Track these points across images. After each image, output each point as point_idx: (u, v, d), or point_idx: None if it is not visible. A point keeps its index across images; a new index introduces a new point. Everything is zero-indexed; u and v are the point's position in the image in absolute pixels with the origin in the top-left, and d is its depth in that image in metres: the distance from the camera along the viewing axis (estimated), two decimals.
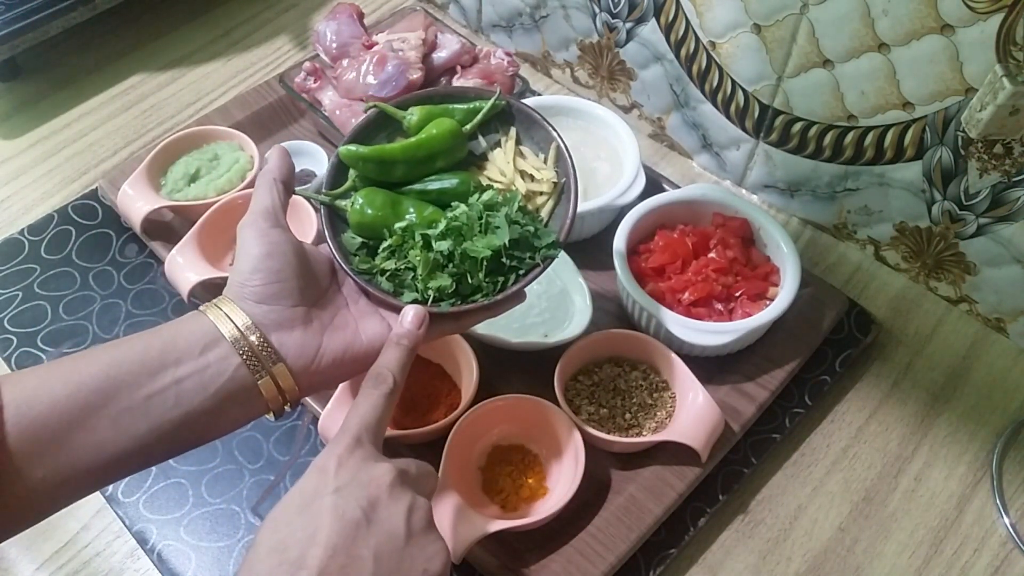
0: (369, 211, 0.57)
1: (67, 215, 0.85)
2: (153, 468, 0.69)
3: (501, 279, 0.56)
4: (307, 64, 0.89)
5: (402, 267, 0.56)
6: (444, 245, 0.55)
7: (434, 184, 0.59)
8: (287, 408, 0.53)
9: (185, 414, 0.49)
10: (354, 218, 0.57)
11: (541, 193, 0.59)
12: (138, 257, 0.83)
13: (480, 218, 0.56)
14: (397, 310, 0.55)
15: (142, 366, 0.48)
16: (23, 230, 0.84)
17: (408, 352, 0.53)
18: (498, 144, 0.61)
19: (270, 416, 0.53)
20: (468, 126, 0.60)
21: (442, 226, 0.55)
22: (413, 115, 0.60)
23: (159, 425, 0.48)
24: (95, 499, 0.68)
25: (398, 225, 0.56)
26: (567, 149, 0.59)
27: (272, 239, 0.53)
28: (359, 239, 0.58)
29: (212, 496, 0.68)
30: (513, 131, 0.61)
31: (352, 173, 0.59)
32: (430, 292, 0.55)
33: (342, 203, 0.58)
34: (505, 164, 0.60)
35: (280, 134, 0.91)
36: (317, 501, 0.45)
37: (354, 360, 0.54)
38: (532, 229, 0.56)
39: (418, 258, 0.55)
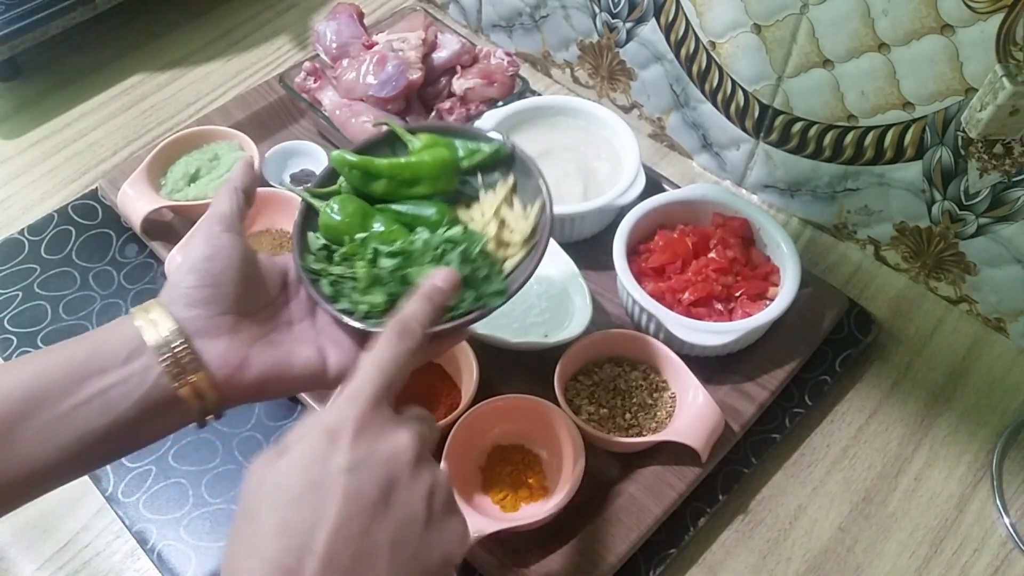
0: (337, 216, 0.57)
1: (67, 215, 0.85)
2: (153, 468, 0.69)
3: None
4: (307, 64, 0.89)
5: (347, 275, 0.56)
6: (388, 263, 0.54)
7: (410, 208, 0.59)
8: (210, 418, 0.51)
9: (111, 423, 0.48)
10: (323, 219, 0.57)
11: (511, 244, 0.58)
12: (138, 257, 0.83)
13: (437, 248, 0.55)
14: (333, 318, 0.54)
15: (67, 375, 0.47)
16: (23, 230, 0.84)
17: (437, 310, 0.50)
18: (492, 187, 0.60)
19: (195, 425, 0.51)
20: (465, 163, 0.60)
21: (396, 246, 0.55)
22: (419, 140, 0.60)
23: (85, 434, 0.47)
24: (95, 499, 0.68)
25: (358, 236, 0.56)
26: (550, 209, 0.58)
27: (220, 242, 0.52)
28: (322, 240, 0.58)
29: (212, 496, 0.68)
30: (512, 179, 0.60)
31: (341, 180, 0.60)
32: (363, 306, 0.54)
33: (319, 204, 0.58)
34: (488, 207, 0.59)
35: (280, 134, 0.91)
36: (328, 478, 0.41)
37: (280, 380, 0.52)
38: (485, 273, 0.55)
39: (362, 269, 0.55)
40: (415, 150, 0.60)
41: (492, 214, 0.58)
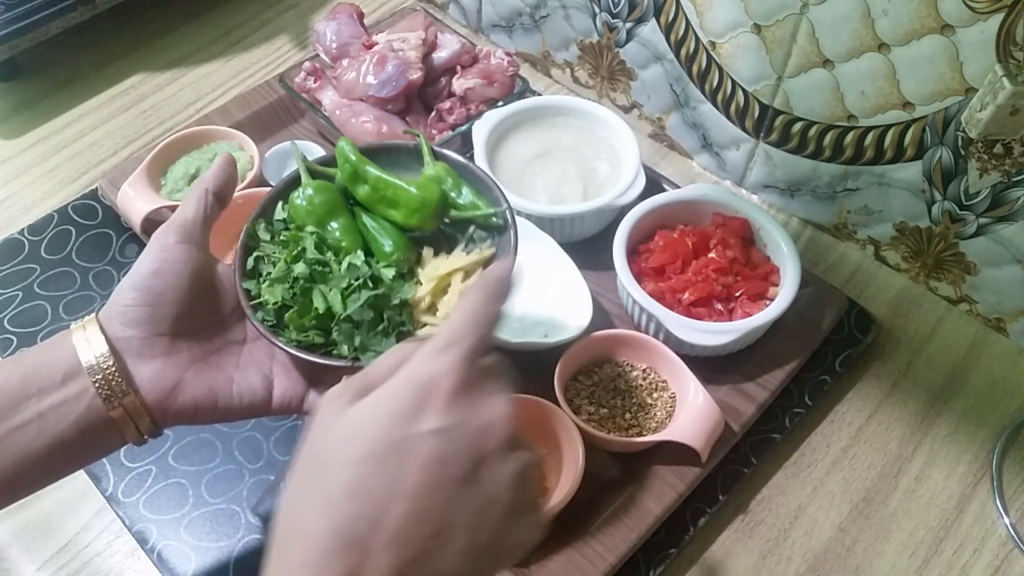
0: (302, 201, 0.56)
1: (67, 215, 0.85)
2: (153, 468, 0.69)
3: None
4: (307, 64, 0.89)
5: (273, 257, 0.55)
6: (301, 269, 0.53)
7: (378, 227, 0.57)
8: (147, 439, 0.51)
9: (49, 445, 0.47)
10: (291, 199, 0.57)
11: (442, 315, 0.55)
12: (138, 257, 0.83)
13: (357, 279, 0.53)
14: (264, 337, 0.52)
15: (3, 398, 0.47)
16: (23, 230, 0.84)
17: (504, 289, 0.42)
18: (464, 249, 0.58)
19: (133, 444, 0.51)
20: (453, 213, 0.58)
21: (325, 256, 0.54)
22: (432, 169, 0.59)
23: (23, 458, 0.47)
24: (95, 499, 0.68)
25: (308, 228, 0.55)
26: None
27: (170, 256, 0.51)
28: (282, 216, 0.57)
29: (212, 496, 0.68)
30: (492, 252, 0.57)
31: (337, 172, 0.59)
32: (267, 297, 0.53)
33: (305, 178, 0.58)
34: (443, 268, 0.56)
35: (280, 134, 0.91)
36: (414, 441, 0.36)
37: (215, 407, 0.51)
38: (381, 328, 0.52)
39: (280, 260, 0.54)
40: (425, 176, 0.59)
41: (438, 275, 0.55)
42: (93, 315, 0.51)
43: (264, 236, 0.57)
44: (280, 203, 0.58)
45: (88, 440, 0.49)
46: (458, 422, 0.36)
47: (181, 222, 0.52)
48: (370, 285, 0.54)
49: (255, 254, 0.56)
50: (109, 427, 0.49)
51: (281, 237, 0.56)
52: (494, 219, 0.58)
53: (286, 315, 0.53)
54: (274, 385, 0.53)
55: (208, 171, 0.55)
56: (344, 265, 0.54)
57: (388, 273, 0.55)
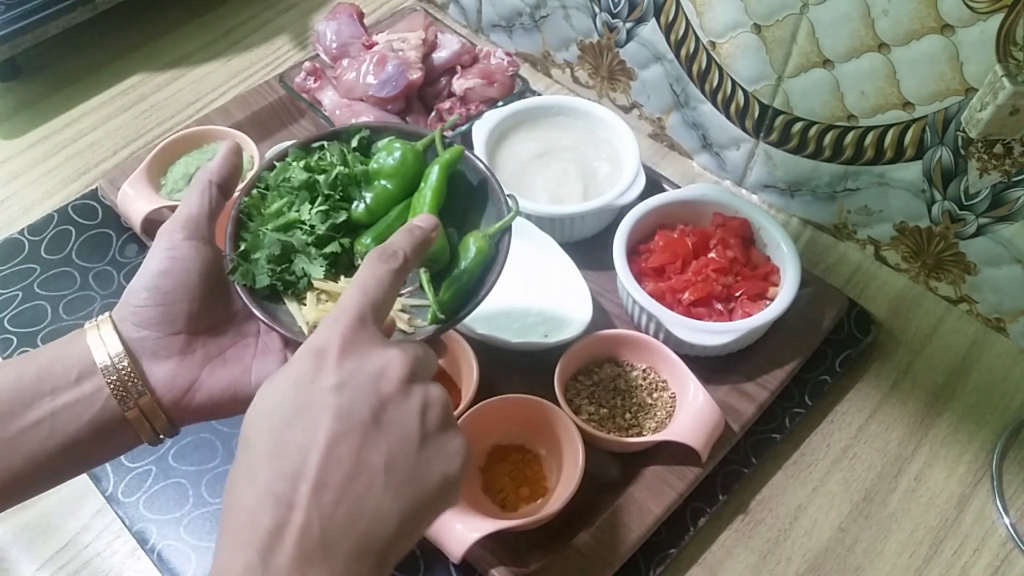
0: (394, 160, 0.55)
1: (67, 215, 0.85)
2: (153, 468, 0.69)
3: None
4: (307, 64, 0.89)
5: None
6: (274, 229, 0.53)
7: (360, 209, 0.56)
8: (163, 438, 0.50)
9: (62, 444, 0.47)
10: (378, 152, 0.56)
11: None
12: (138, 257, 0.83)
13: (321, 246, 0.54)
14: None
15: (16, 395, 0.46)
16: (23, 230, 0.84)
17: (422, 241, 0.48)
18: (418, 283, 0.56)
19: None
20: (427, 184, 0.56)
21: (303, 216, 0.54)
22: (435, 172, 0.56)
23: (35, 456, 0.47)
24: (95, 499, 0.68)
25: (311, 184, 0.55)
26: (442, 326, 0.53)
27: (179, 254, 0.50)
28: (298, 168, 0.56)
29: (212, 496, 0.68)
30: (432, 304, 0.52)
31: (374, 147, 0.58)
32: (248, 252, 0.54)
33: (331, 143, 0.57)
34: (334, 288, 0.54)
35: (280, 134, 0.91)
36: (317, 397, 0.40)
37: (234, 401, 0.50)
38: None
39: (270, 212, 0.54)
40: (434, 182, 0.56)
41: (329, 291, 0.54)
42: (107, 315, 0.50)
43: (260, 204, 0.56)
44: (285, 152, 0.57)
45: (101, 440, 0.48)
46: (352, 373, 0.40)
47: (187, 217, 0.51)
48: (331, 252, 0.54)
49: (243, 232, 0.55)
50: (123, 427, 0.48)
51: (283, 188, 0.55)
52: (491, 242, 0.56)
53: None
54: None
55: (212, 161, 0.54)
56: (313, 234, 0.54)
57: (336, 246, 0.54)
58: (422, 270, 0.53)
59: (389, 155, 0.56)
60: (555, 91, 1.00)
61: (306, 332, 0.52)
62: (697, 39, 0.81)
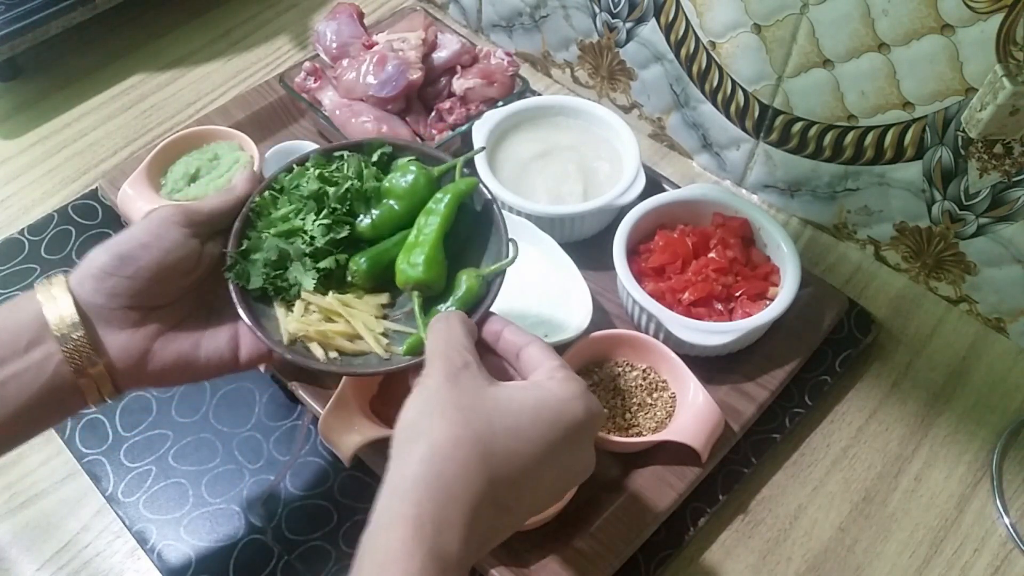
0: (407, 184, 0.56)
1: (67, 215, 0.85)
2: (153, 468, 0.69)
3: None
4: (307, 64, 0.89)
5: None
6: (272, 236, 0.55)
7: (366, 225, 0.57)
8: (107, 401, 0.51)
9: (12, 413, 0.47)
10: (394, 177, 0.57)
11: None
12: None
13: (316, 258, 0.55)
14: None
15: None
16: (23, 230, 0.84)
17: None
18: (408, 309, 0.56)
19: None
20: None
21: (303, 225, 0.55)
22: (444, 199, 0.56)
23: None
24: (95, 499, 0.68)
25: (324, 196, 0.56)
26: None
27: (168, 235, 0.51)
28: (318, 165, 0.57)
29: (212, 496, 0.68)
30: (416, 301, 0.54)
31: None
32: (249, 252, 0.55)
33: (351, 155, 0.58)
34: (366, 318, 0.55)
35: (280, 134, 0.91)
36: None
37: (184, 371, 0.52)
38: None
39: (272, 220, 0.56)
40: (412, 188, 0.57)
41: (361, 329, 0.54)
42: (61, 276, 0.50)
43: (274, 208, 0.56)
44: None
45: (49, 405, 0.49)
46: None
47: (195, 210, 0.53)
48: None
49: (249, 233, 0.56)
50: (72, 393, 0.49)
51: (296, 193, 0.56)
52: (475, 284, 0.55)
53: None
54: (240, 346, 0.54)
55: (238, 178, 0.56)
56: (307, 244, 0.54)
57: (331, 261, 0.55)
58: (415, 293, 0.53)
59: (403, 176, 0.57)
60: (555, 91, 1.00)
61: (285, 341, 0.52)
62: (697, 39, 0.81)
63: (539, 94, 0.96)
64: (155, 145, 0.83)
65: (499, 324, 0.51)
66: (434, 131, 0.86)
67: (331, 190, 0.56)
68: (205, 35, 1.06)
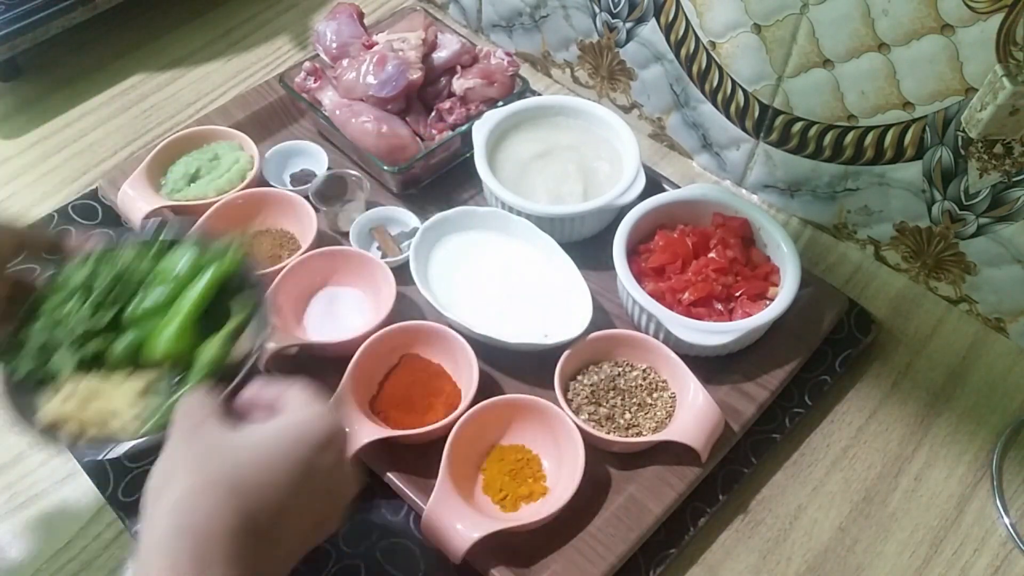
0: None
1: (67, 215, 0.85)
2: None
3: None
4: (307, 64, 0.89)
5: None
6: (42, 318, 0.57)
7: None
8: None
9: None
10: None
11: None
12: None
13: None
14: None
15: None
16: None
17: None
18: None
19: None
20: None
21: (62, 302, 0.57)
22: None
23: None
24: (95, 499, 0.68)
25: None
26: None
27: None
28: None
29: None
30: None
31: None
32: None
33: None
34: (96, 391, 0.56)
35: (280, 134, 0.91)
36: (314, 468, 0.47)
37: None
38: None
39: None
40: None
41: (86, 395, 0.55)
42: None
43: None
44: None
45: None
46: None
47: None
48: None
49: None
50: None
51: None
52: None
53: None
54: None
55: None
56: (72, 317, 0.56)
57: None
58: (167, 366, 0.55)
59: (176, 258, 0.58)
60: (555, 91, 1.00)
61: (43, 425, 0.54)
62: (697, 39, 0.81)
63: (539, 94, 0.96)
64: (155, 145, 0.84)
65: (256, 385, 0.53)
66: (434, 131, 0.86)
67: (100, 277, 0.57)
68: (205, 35, 1.06)
